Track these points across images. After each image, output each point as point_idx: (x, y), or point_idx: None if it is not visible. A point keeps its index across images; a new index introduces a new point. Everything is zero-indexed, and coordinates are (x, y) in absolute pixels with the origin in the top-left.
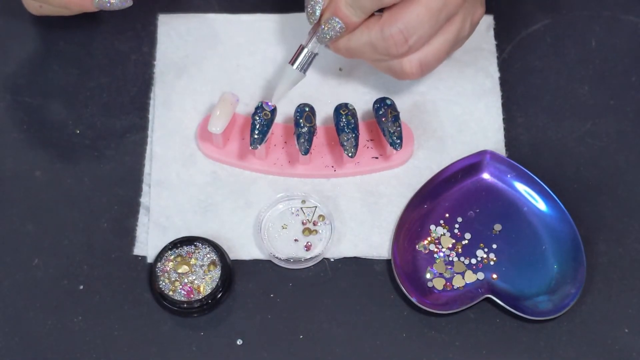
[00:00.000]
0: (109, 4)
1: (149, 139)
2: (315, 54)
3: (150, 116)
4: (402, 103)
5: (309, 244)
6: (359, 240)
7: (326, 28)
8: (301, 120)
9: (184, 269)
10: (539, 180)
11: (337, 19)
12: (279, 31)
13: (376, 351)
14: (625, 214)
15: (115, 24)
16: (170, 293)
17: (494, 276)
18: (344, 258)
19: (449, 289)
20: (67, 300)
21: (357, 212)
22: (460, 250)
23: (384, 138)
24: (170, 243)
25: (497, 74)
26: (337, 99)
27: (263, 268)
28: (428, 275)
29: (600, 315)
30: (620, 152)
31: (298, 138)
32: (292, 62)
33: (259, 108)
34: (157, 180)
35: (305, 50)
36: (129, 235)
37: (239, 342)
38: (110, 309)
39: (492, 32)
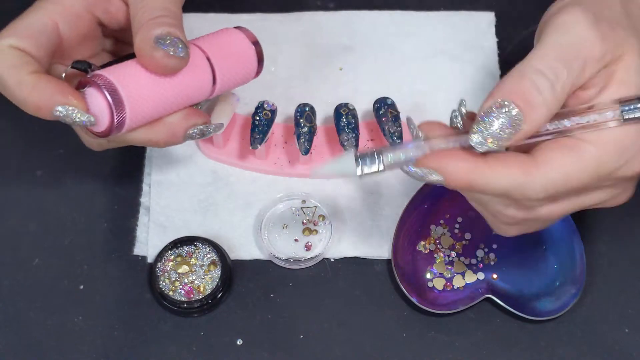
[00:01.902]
0: (202, 135)
1: None
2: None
3: None
4: (402, 103)
5: (309, 244)
6: (359, 240)
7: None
8: (301, 120)
9: (184, 269)
10: None
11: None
12: (279, 31)
13: (376, 351)
14: (625, 214)
15: None
16: (170, 293)
17: (494, 276)
18: (344, 258)
19: (449, 289)
20: (67, 300)
21: (357, 212)
22: (460, 250)
23: (384, 138)
24: (170, 243)
25: (498, 72)
26: (337, 99)
27: (263, 268)
28: (428, 275)
29: (600, 315)
30: None
31: (298, 138)
32: (358, 161)
33: (260, 108)
34: (157, 180)
35: (379, 168)
36: (129, 235)
37: (239, 342)
38: (110, 309)
39: (493, 29)
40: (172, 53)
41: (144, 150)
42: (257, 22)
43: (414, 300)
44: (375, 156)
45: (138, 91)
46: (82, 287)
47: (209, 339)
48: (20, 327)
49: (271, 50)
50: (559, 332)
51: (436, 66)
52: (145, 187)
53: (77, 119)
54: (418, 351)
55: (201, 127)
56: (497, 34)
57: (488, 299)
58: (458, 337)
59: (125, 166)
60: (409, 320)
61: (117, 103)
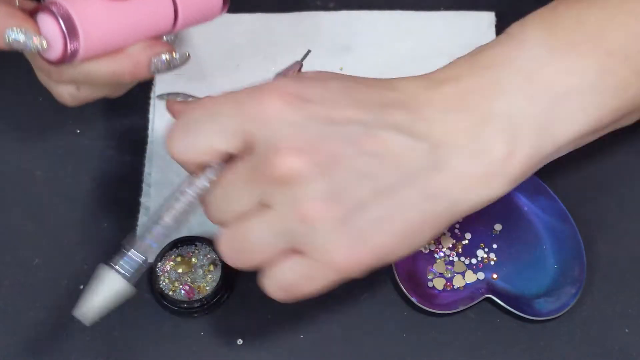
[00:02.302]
0: (169, 65)
1: (149, 139)
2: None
3: (150, 116)
4: None
5: None
6: None
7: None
8: None
9: (184, 269)
10: (539, 180)
11: None
12: (279, 31)
13: (376, 351)
14: (625, 214)
15: None
16: (171, 293)
17: (494, 276)
18: None
19: (449, 288)
20: (67, 300)
21: None
22: (460, 250)
23: None
24: (171, 243)
25: None
26: None
27: None
28: (428, 275)
29: (600, 315)
30: (620, 151)
31: None
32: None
33: None
34: (157, 180)
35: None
36: (129, 235)
37: (239, 342)
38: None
39: (493, 29)
40: None
41: (144, 150)
42: (257, 22)
43: (414, 300)
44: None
45: (92, 16)
46: (82, 287)
47: (209, 339)
48: (20, 327)
49: (271, 50)
50: (559, 332)
51: (436, 66)
52: (145, 187)
53: (30, 43)
54: (418, 351)
55: (166, 56)
56: (497, 34)
57: (488, 299)
58: (458, 337)
59: (125, 166)
60: (409, 320)
61: (69, 27)
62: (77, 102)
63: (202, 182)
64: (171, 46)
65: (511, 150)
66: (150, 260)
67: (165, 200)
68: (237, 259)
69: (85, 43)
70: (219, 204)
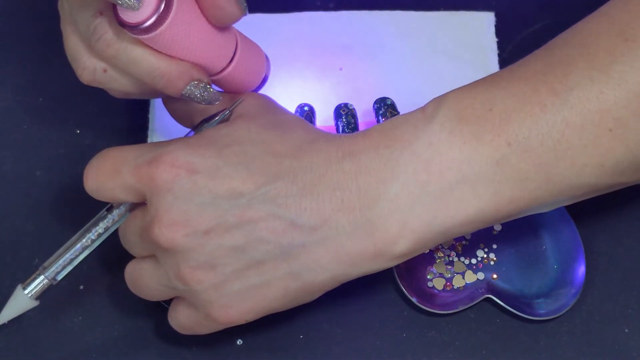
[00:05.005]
0: (201, 95)
1: (149, 139)
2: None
3: (150, 116)
4: (402, 103)
5: None
6: None
7: None
8: None
9: None
10: None
11: None
12: (279, 31)
13: (376, 351)
14: (625, 214)
15: None
16: None
17: (494, 276)
18: None
19: (449, 289)
20: (67, 300)
21: None
22: (460, 250)
23: None
24: None
25: None
26: (337, 99)
27: None
28: (428, 275)
29: (600, 315)
30: None
31: None
32: (25, 286)
33: None
34: None
35: (42, 278)
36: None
37: (239, 342)
38: (110, 309)
39: (493, 29)
40: (237, 2)
41: None
42: (257, 22)
43: (414, 300)
44: (39, 275)
45: (183, 11)
46: (82, 287)
47: (209, 339)
48: (20, 327)
49: (271, 50)
50: (559, 332)
51: (436, 66)
52: None
53: None
54: (418, 351)
55: (203, 86)
56: (497, 34)
57: (488, 299)
58: (458, 337)
59: None
60: (409, 320)
61: (167, 4)
62: (94, 81)
63: (105, 223)
64: (210, 81)
65: (398, 232)
66: (59, 278)
67: (80, 231)
68: (135, 292)
69: (166, 26)
70: (123, 242)
